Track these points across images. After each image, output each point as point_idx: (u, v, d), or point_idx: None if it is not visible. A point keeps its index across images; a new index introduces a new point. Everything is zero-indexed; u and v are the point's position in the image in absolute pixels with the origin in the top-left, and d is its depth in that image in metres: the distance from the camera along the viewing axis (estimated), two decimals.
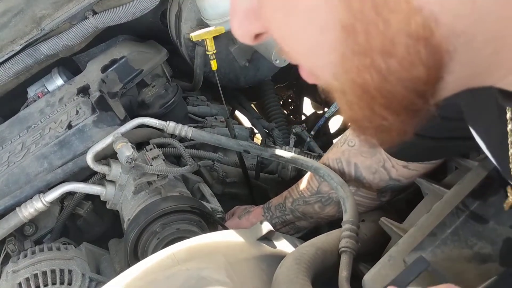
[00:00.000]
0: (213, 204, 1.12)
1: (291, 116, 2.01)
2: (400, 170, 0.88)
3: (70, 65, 1.43)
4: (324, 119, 1.24)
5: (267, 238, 0.93)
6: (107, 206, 1.11)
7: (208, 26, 1.23)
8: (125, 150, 0.99)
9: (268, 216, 1.09)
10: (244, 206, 1.17)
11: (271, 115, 1.59)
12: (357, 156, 0.92)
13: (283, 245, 0.93)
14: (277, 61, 1.25)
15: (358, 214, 0.81)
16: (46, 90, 1.33)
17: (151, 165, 1.04)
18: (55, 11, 1.18)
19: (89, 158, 1.06)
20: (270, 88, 1.62)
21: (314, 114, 1.93)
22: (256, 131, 1.58)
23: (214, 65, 1.09)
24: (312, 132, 1.26)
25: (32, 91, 1.36)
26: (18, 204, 1.08)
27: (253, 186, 1.25)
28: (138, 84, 1.35)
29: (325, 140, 1.58)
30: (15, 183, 1.13)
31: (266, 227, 0.93)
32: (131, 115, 1.35)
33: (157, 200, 0.99)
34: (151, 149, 1.08)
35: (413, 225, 0.77)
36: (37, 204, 1.03)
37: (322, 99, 1.80)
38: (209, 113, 1.42)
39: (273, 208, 1.09)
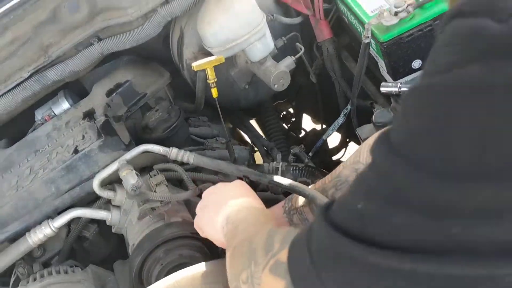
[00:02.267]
0: None
1: (291, 132, 2.05)
2: None
3: (75, 85, 1.47)
4: (321, 141, 1.28)
5: None
6: (113, 230, 1.15)
7: (209, 52, 1.27)
8: (130, 178, 1.03)
9: (286, 207, 1.06)
10: None
11: (270, 133, 1.63)
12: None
13: None
14: (276, 86, 1.29)
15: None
16: (53, 113, 1.37)
17: (154, 191, 1.08)
18: (61, 39, 1.22)
19: (95, 185, 1.10)
20: (269, 106, 1.66)
21: (313, 131, 1.96)
22: (256, 148, 1.62)
23: (215, 93, 1.13)
24: (310, 154, 1.30)
25: (39, 114, 1.40)
26: (27, 228, 1.12)
27: None
28: (141, 106, 1.39)
29: (323, 156, 1.61)
30: (23, 208, 1.17)
31: None
32: (136, 137, 1.39)
33: (160, 226, 1.04)
34: (154, 175, 1.12)
35: None
36: (46, 230, 1.07)
37: (320, 116, 1.83)
38: (210, 134, 1.46)
39: (293, 199, 1.06)
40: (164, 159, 1.18)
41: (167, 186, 1.09)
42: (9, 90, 1.22)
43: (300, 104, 1.96)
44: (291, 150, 1.39)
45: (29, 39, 1.18)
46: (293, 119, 2.08)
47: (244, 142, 1.75)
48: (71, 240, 1.19)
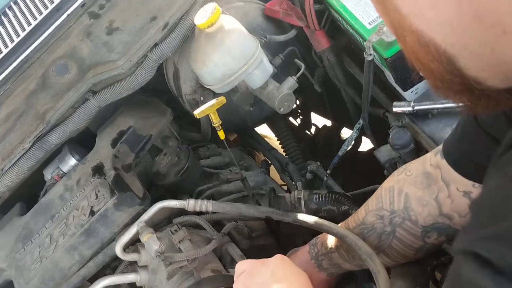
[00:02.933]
0: None
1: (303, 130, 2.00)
2: (457, 201, 0.84)
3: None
4: (338, 158, 1.24)
5: None
6: None
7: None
8: (153, 244, 1.01)
9: (313, 253, 1.05)
10: (294, 248, 1.15)
11: (284, 147, 1.59)
12: (410, 186, 0.90)
13: None
14: (281, 110, 1.24)
15: None
16: (61, 172, 1.35)
17: (179, 248, 1.07)
18: (56, 103, 1.18)
19: (118, 251, 1.08)
20: (280, 119, 1.62)
21: (325, 128, 1.92)
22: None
23: (221, 135, 1.09)
24: (328, 171, 1.26)
25: (48, 174, 1.37)
26: None
27: (278, 235, 1.27)
28: (149, 149, 1.36)
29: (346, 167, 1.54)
30: (51, 280, 1.16)
31: None
32: (148, 181, 1.37)
33: (192, 285, 1.02)
34: (176, 230, 1.09)
35: None
36: None
37: (329, 113, 1.79)
38: (223, 162, 1.43)
39: (319, 244, 1.04)
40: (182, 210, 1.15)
41: (190, 240, 1.07)
42: (14, 163, 1.19)
43: (307, 103, 1.92)
44: (308, 167, 1.35)
45: (24, 111, 1.14)
46: (301, 117, 2.03)
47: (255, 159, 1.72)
48: None
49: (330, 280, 1.06)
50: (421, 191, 0.88)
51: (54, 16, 1.21)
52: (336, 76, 1.36)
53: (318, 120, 2.06)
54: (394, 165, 1.05)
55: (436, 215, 0.87)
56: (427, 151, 0.97)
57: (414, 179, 0.89)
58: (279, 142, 1.67)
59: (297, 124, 2.15)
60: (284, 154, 1.63)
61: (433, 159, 0.87)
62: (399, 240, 0.91)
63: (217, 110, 1.10)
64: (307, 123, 2.03)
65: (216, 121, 1.06)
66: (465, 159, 0.79)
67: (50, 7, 1.24)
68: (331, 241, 1.02)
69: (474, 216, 0.47)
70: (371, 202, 0.95)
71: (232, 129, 1.53)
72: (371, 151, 1.56)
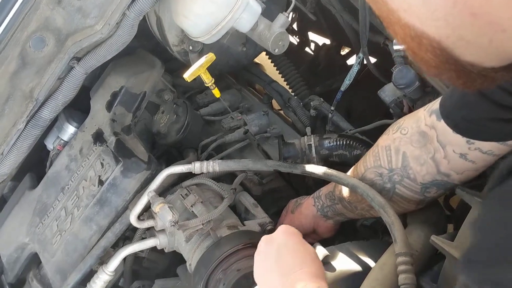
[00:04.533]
0: (259, 216, 1.15)
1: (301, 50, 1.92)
2: (454, 162, 0.85)
3: None
4: (341, 93, 1.19)
5: (325, 262, 0.97)
6: (165, 251, 1.16)
7: None
8: (166, 214, 1.02)
9: (319, 205, 1.08)
10: (295, 199, 1.18)
11: (286, 79, 1.53)
12: (407, 145, 0.90)
13: (341, 262, 0.97)
14: (276, 50, 1.17)
15: (408, 242, 0.82)
16: (62, 140, 1.33)
17: (192, 211, 1.07)
18: (41, 78, 1.12)
19: (133, 220, 1.09)
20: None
21: (325, 46, 1.83)
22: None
23: (217, 93, 1.04)
24: (332, 108, 1.22)
25: (50, 144, 1.36)
26: (85, 275, 1.15)
27: (290, 175, 1.26)
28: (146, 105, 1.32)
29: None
30: (74, 251, 1.20)
31: (321, 252, 0.96)
32: (151, 139, 1.35)
33: (211, 247, 1.03)
34: (186, 194, 1.09)
35: (464, 243, 0.78)
36: (104, 277, 1.09)
37: (327, 33, 1.70)
38: (223, 108, 1.39)
39: (323, 196, 1.08)
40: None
41: (202, 203, 1.07)
42: (12, 146, 1.17)
43: (303, 20, 1.81)
44: (311, 103, 1.30)
45: (10, 94, 1.10)
46: (298, 36, 1.94)
47: (258, 91, 1.66)
48: (130, 265, 1.22)
49: (336, 225, 1.11)
50: (418, 150, 0.88)
51: None
52: (330, 2, 1.26)
53: (317, 39, 1.97)
54: (400, 104, 1.01)
55: (434, 173, 0.87)
56: (433, 88, 0.92)
57: (410, 137, 0.89)
58: (279, 72, 1.61)
59: (295, 43, 2.06)
60: (286, 85, 1.58)
61: (428, 119, 0.86)
62: (399, 195, 0.93)
63: None
64: (305, 41, 1.95)
65: (208, 80, 1.01)
66: (466, 122, 0.78)
67: None
68: (334, 193, 1.04)
69: (480, 242, 0.48)
70: (369, 159, 0.95)
71: (228, 70, 1.47)
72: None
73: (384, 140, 0.93)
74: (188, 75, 0.98)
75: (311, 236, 1.14)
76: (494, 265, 0.42)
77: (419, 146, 0.88)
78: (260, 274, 0.83)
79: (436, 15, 0.40)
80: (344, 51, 1.90)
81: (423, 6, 0.40)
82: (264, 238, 0.86)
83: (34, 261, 1.34)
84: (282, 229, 0.86)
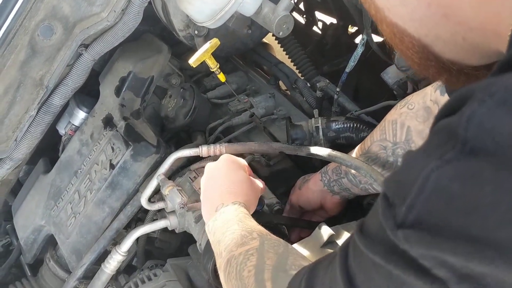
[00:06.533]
0: (267, 197, 1.17)
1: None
2: None
3: None
4: (346, 74, 1.19)
5: (330, 241, 1.00)
6: (176, 231, 1.19)
7: None
8: (175, 197, 1.05)
9: (325, 180, 1.10)
10: (303, 176, 1.20)
11: (292, 60, 1.54)
12: (412, 120, 0.93)
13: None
14: (281, 33, 1.18)
15: None
16: (73, 125, 1.36)
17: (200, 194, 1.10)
18: (50, 66, 1.15)
19: (144, 203, 1.13)
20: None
21: (332, 25, 1.82)
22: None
23: (222, 78, 1.06)
24: (338, 89, 1.23)
25: (61, 129, 1.39)
26: (99, 255, 1.20)
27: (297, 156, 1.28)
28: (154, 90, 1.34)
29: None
30: (88, 233, 1.24)
31: (326, 231, 0.99)
32: (159, 122, 1.37)
33: None
34: (195, 177, 1.12)
35: None
36: (117, 257, 1.13)
37: (333, 10, 1.69)
38: (230, 91, 1.40)
39: (330, 171, 1.09)
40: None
41: None
42: (25, 132, 1.20)
43: (310, 2, 1.81)
44: (317, 85, 1.31)
45: (21, 82, 1.12)
46: (305, 15, 1.94)
47: (266, 72, 1.67)
48: (142, 245, 1.26)
49: (343, 202, 1.13)
50: (422, 124, 0.90)
51: None
52: None
53: (324, 19, 1.96)
54: (403, 85, 1.02)
55: None
56: None
57: (416, 112, 0.91)
58: (286, 53, 1.61)
59: (303, 22, 2.06)
60: (293, 66, 1.58)
61: (433, 95, 0.88)
62: None
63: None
64: (312, 21, 1.94)
65: (213, 65, 1.03)
66: None
67: None
68: (340, 167, 1.05)
69: None
70: (375, 133, 0.97)
71: (235, 53, 1.48)
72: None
73: (391, 115, 0.96)
74: (193, 61, 1.00)
75: (319, 213, 1.16)
76: None
77: (423, 120, 0.90)
78: (202, 193, 0.97)
79: (413, 16, 0.43)
80: (353, 29, 1.89)
81: (402, 7, 0.43)
82: (208, 164, 0.98)
83: (51, 242, 1.39)
84: (223, 157, 0.97)
